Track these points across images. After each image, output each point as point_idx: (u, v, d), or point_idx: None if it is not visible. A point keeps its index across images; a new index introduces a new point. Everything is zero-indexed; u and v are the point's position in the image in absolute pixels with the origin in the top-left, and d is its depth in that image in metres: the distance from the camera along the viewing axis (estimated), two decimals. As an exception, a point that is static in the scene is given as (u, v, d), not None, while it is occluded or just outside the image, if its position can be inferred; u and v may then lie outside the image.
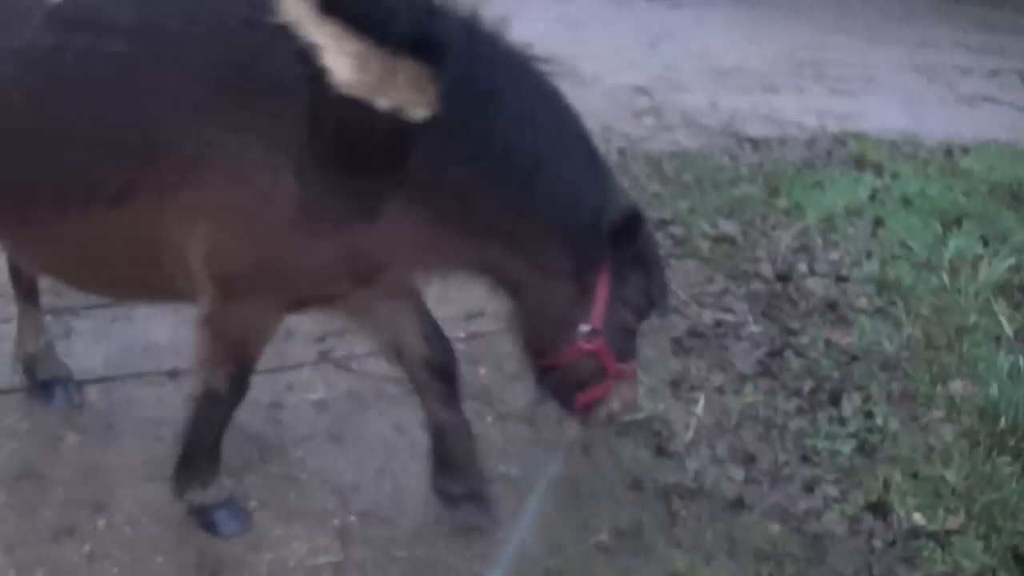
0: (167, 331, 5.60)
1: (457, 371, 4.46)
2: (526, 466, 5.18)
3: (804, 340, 6.85)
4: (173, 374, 5.51)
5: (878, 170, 10.05)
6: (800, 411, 6.13)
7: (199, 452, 4.30)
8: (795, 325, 6.78)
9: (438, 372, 4.40)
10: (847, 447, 6.16)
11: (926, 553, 5.43)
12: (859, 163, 10.09)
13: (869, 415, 6.45)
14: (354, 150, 3.51)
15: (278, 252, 3.66)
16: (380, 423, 5.23)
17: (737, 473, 5.81)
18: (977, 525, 5.52)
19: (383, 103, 3.46)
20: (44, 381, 5.09)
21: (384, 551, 4.51)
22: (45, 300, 5.47)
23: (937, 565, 5.36)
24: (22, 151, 3.71)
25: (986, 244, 8.51)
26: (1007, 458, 6.11)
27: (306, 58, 3.46)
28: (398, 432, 5.36)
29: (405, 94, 3.47)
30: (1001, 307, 7.77)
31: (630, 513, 5.08)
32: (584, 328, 3.87)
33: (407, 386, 5.01)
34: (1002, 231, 8.85)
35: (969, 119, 11.95)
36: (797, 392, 6.31)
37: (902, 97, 12.42)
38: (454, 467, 4.58)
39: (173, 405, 5.04)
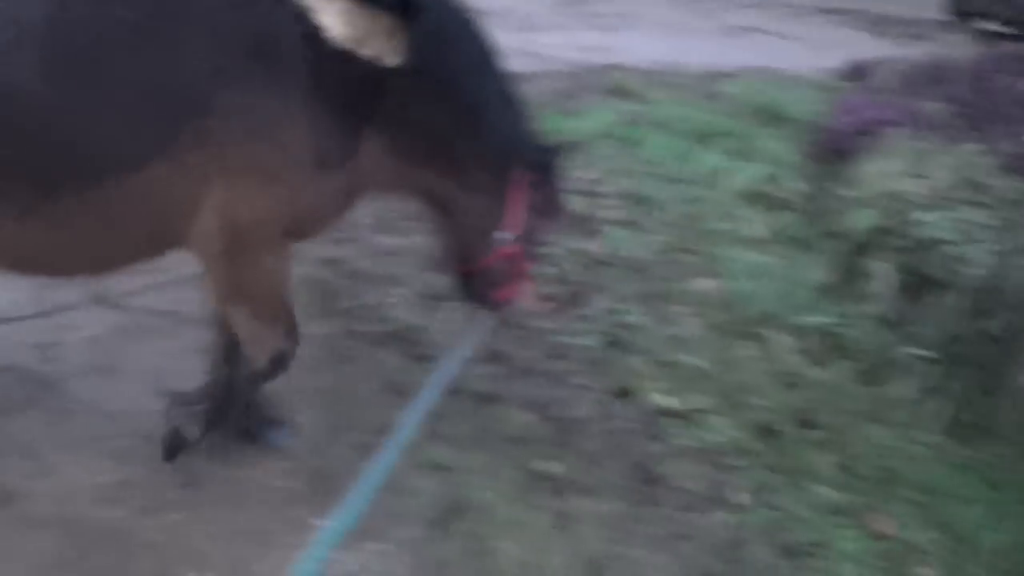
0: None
1: None
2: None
3: (556, 251, 6.83)
4: None
5: (638, 98, 10.23)
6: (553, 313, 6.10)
7: (255, 416, 4.67)
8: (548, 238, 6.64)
9: None
10: (594, 341, 6.32)
11: (671, 430, 5.65)
12: (619, 92, 10.22)
13: (616, 313, 6.66)
14: (346, 95, 3.73)
15: (298, 196, 3.84)
16: (147, 353, 5.30)
17: (491, 371, 5.92)
18: (722, 404, 5.81)
19: (366, 54, 3.69)
20: None
21: (157, 468, 4.62)
22: None
23: (681, 440, 5.59)
24: (33, 128, 3.64)
25: (740, 159, 8.72)
26: (750, 344, 6.39)
27: (303, 19, 3.65)
28: (164, 358, 5.41)
29: (381, 44, 3.72)
30: (749, 213, 8.07)
31: (390, 413, 5.05)
32: (505, 235, 4.29)
33: (173, 319, 5.47)
34: (756, 147, 9.19)
35: (731, 49, 12.26)
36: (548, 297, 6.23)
37: (665, 30, 12.72)
38: (256, 407, 4.77)
39: None
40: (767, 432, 5.67)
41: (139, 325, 5.49)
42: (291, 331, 4.30)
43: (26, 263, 4.22)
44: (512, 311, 4.87)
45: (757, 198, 8.27)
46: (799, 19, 14.58)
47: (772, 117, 9.98)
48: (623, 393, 5.92)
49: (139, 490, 4.44)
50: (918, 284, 6.57)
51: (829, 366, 5.98)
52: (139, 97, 3.62)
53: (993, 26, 16.41)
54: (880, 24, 14.78)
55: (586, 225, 7.61)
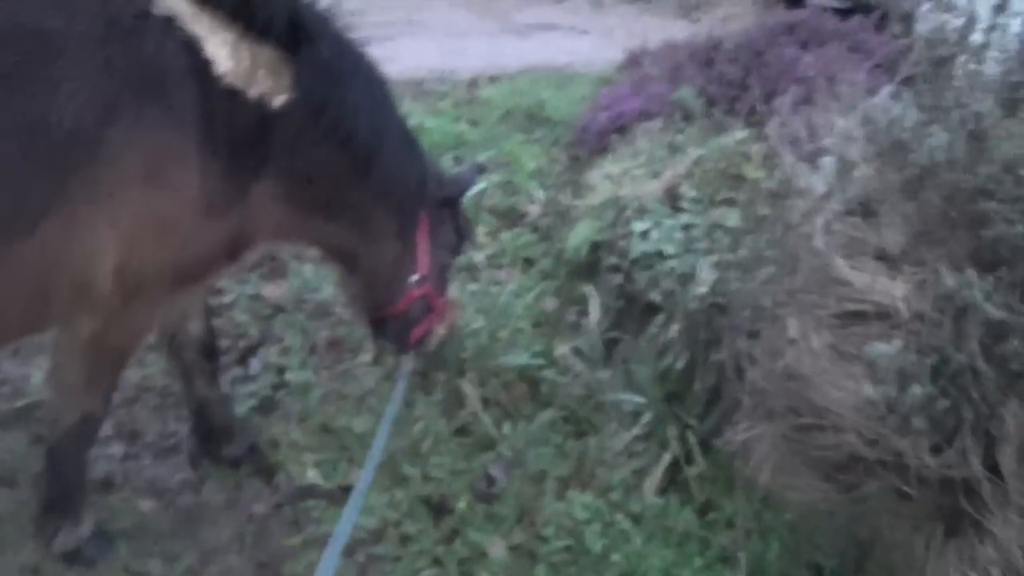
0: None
1: (218, 349, 4.82)
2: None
3: (227, 299, 6.41)
4: None
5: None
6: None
7: (75, 486, 4.33)
8: (224, 283, 6.11)
9: (207, 351, 4.73)
10: (245, 408, 5.56)
11: (316, 513, 4.92)
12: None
13: (281, 370, 5.88)
14: (235, 137, 3.53)
15: (188, 244, 3.63)
16: None
17: (118, 450, 5.33)
18: (382, 476, 4.96)
19: (253, 91, 3.51)
20: None
21: None
22: None
23: (323, 526, 4.82)
24: None
25: (482, 171, 7.42)
26: (434, 395, 5.60)
27: (191, 49, 3.42)
28: None
29: (267, 81, 3.53)
30: (483, 231, 7.35)
31: None
32: (413, 277, 4.27)
33: None
34: (510, 155, 8.58)
35: (516, 48, 11.77)
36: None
37: (445, 35, 12.10)
38: (226, 434, 5.00)
39: None
40: (436, 509, 4.92)
41: None
42: (109, 393, 4.22)
43: None
44: (433, 340, 4.75)
45: (493, 214, 7.40)
46: (600, 11, 14.09)
47: (534, 120, 9.36)
48: (265, 470, 5.16)
49: None
50: (632, 310, 5.69)
51: (526, 418, 5.35)
52: (21, 150, 3.30)
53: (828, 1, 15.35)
54: (692, 8, 14.21)
55: (271, 263, 6.66)
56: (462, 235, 4.52)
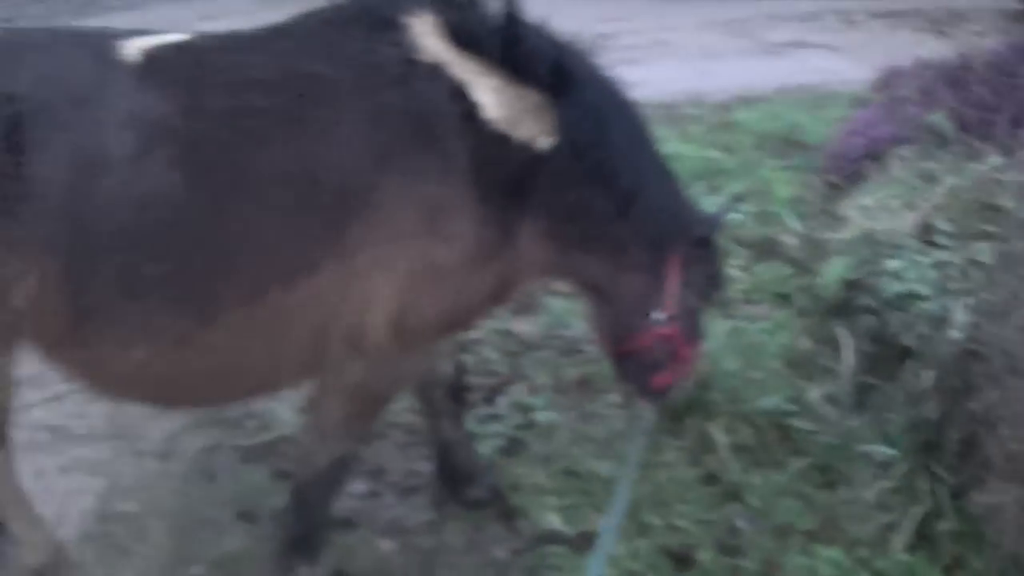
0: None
1: (466, 391, 4.86)
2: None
3: (477, 335, 6.32)
4: None
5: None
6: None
7: (318, 526, 4.35)
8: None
9: (454, 393, 4.76)
10: (489, 448, 5.48)
11: (556, 560, 4.80)
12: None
13: (528, 409, 5.79)
14: (503, 182, 3.58)
15: (461, 293, 3.70)
16: (22, 469, 4.71)
17: (361, 487, 5.32)
18: (627, 524, 4.76)
19: (519, 135, 3.56)
20: None
21: None
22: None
23: (563, 573, 4.72)
24: (179, 242, 3.44)
25: (738, 200, 7.44)
26: (681, 440, 5.43)
27: (460, 96, 3.50)
28: (37, 477, 5.20)
29: (533, 125, 3.59)
30: (734, 264, 7.03)
31: (236, 543, 4.96)
32: (659, 315, 4.05)
33: (58, 432, 5.57)
34: (763, 183, 8.29)
35: (769, 68, 11.45)
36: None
37: (697, 56, 11.94)
38: (469, 476, 4.97)
39: None
40: (679, 561, 4.73)
41: (20, 440, 4.81)
42: (364, 437, 4.32)
43: (183, 395, 3.98)
44: (676, 392, 4.46)
45: (748, 245, 7.21)
46: (851, 27, 13.73)
47: (789, 144, 9.06)
48: (506, 513, 5.09)
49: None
50: (886, 354, 5.43)
51: (774, 467, 5.12)
52: (298, 194, 3.44)
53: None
54: (942, 23, 13.69)
55: (522, 299, 6.44)
56: (714, 280, 4.31)
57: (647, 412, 4.57)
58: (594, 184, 3.76)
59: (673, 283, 4.06)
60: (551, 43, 3.66)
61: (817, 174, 8.31)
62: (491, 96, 3.55)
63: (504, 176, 3.60)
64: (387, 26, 3.58)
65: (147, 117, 3.49)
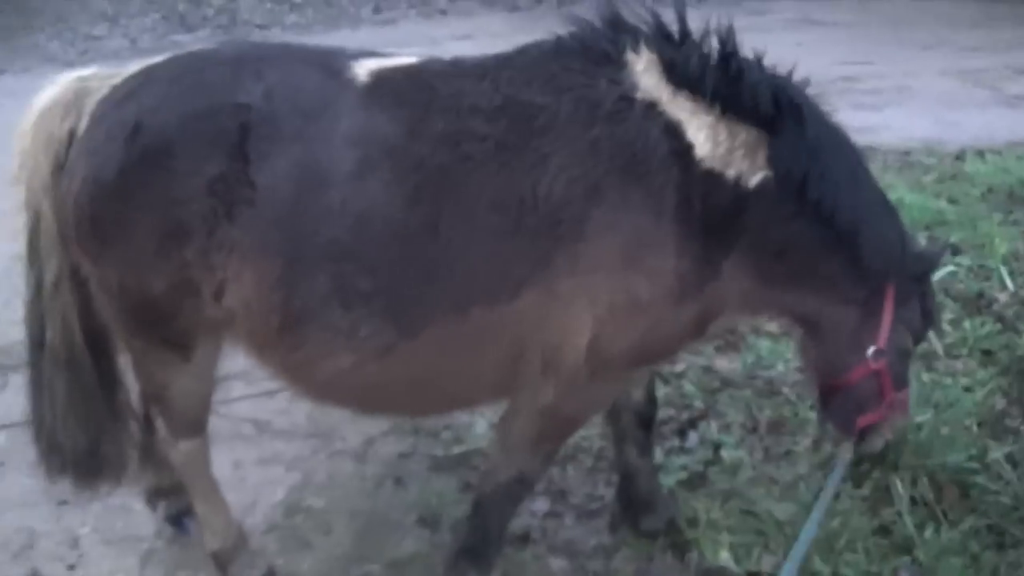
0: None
1: (655, 421, 4.87)
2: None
3: (679, 368, 6.36)
4: None
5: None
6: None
7: (493, 539, 4.49)
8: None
9: (643, 421, 4.78)
10: (673, 480, 5.57)
11: None
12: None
13: (717, 446, 5.87)
14: (711, 218, 3.59)
15: (658, 326, 3.73)
16: (222, 458, 5.11)
17: (543, 506, 5.49)
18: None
19: (731, 172, 3.58)
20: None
21: (171, 572, 5.02)
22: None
23: None
24: (395, 256, 3.70)
25: (955, 252, 7.63)
26: (863, 489, 5.42)
27: (673, 134, 3.57)
28: (235, 467, 5.67)
29: (744, 161, 3.60)
30: (943, 318, 6.79)
31: (414, 546, 5.20)
32: (871, 349, 4.00)
33: (261, 427, 5.98)
34: (986, 236, 8.10)
35: (1007, 121, 11.19)
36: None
37: (936, 104, 11.78)
38: (648, 505, 5.02)
39: None
40: None
41: (224, 431, 5.31)
42: (550, 458, 4.38)
43: (382, 403, 4.24)
44: (879, 439, 4.48)
45: (959, 299, 7.21)
46: None
47: (1015, 200, 8.93)
48: (678, 545, 5.15)
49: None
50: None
51: (950, 523, 5.09)
52: (509, 220, 3.59)
53: None
54: None
55: (728, 336, 6.65)
56: (927, 317, 4.25)
57: (846, 453, 4.59)
58: (809, 219, 3.73)
59: (887, 318, 4.02)
60: (768, 79, 3.68)
61: (1039, 232, 7.87)
62: (704, 134, 3.57)
63: (712, 213, 3.61)
64: (607, 61, 3.69)
65: (371, 137, 3.73)
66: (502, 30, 15.28)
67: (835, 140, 3.81)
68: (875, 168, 8.88)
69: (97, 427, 4.71)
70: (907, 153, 10.30)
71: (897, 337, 4.08)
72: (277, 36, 16.26)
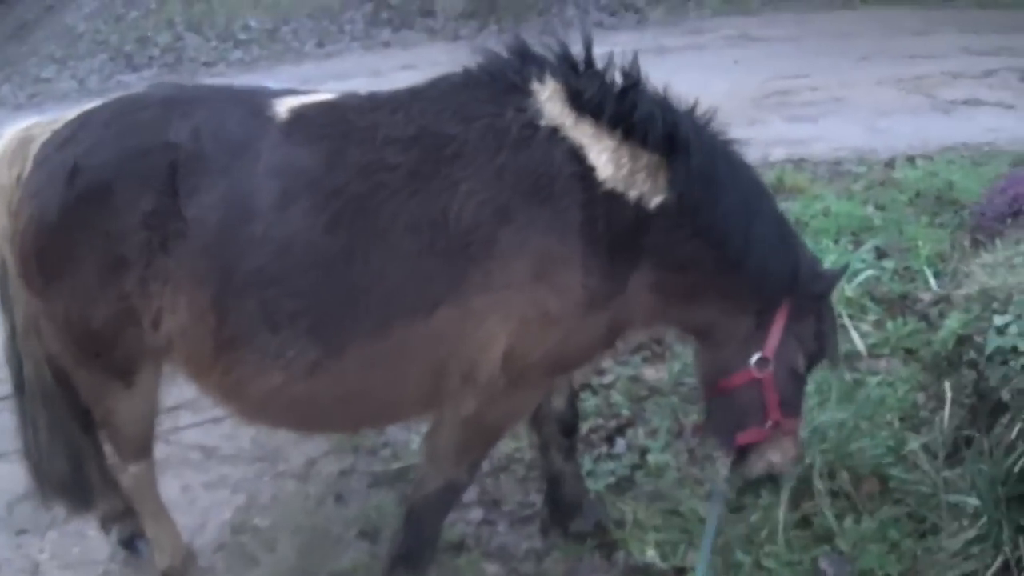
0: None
1: (578, 427, 5.07)
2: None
3: (607, 379, 6.61)
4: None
5: (799, 193, 9.57)
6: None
7: (426, 546, 4.69)
8: (605, 364, 6.40)
9: (566, 428, 5.00)
10: (601, 484, 5.79)
11: None
12: (780, 189, 9.48)
13: (644, 451, 6.09)
14: (614, 237, 3.80)
15: (569, 337, 3.92)
16: (172, 483, 5.35)
17: (477, 515, 5.70)
18: (718, 562, 5.06)
19: (632, 193, 3.81)
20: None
21: None
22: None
23: None
24: (318, 280, 3.86)
25: (881, 256, 8.01)
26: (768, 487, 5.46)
27: (576, 157, 3.79)
28: (183, 491, 5.92)
29: (645, 184, 3.81)
30: (863, 319, 7.27)
31: (354, 559, 5.43)
32: (755, 356, 4.21)
33: (208, 452, 6.16)
34: (912, 240, 8.37)
35: (940, 126, 11.50)
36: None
37: (870, 113, 12.01)
38: (576, 508, 5.22)
39: (18, 477, 5.51)
40: None
41: (174, 458, 5.53)
42: (476, 466, 4.57)
43: (313, 420, 4.41)
44: (761, 464, 4.60)
45: (883, 301, 7.45)
46: None
47: (942, 203, 9.12)
48: (606, 545, 5.38)
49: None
50: (984, 408, 5.54)
51: (869, 514, 5.28)
52: (422, 242, 3.78)
53: None
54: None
55: (654, 347, 6.93)
56: (821, 339, 4.40)
57: (723, 470, 4.85)
58: (705, 242, 3.95)
59: (777, 330, 4.21)
60: (665, 108, 3.88)
61: (965, 232, 8.38)
62: (605, 157, 3.78)
63: (615, 232, 3.81)
64: (514, 91, 3.91)
65: (291, 169, 3.98)
66: (444, 59, 15.36)
67: (730, 169, 4.02)
68: (805, 178, 9.38)
69: (78, 456, 5.00)
70: (838, 163, 10.58)
71: (787, 352, 4.27)
72: (223, 73, 16.39)
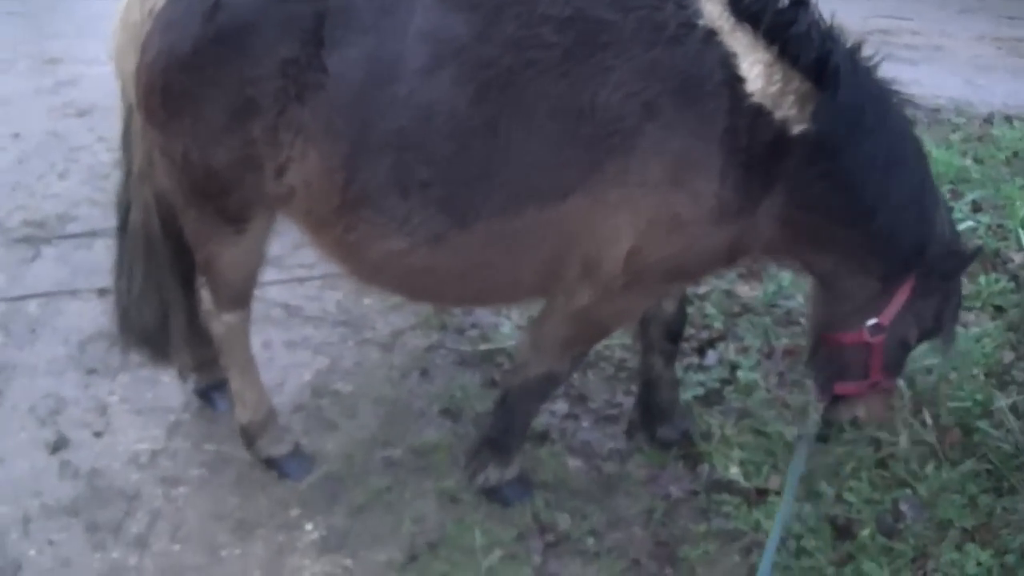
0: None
1: (682, 334, 5.06)
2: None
3: (702, 290, 6.61)
4: (102, 292, 6.08)
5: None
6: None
7: (516, 433, 4.76)
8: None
9: (672, 334, 4.97)
10: (689, 395, 5.79)
11: (727, 508, 5.07)
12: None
13: (734, 367, 6.09)
14: (754, 153, 3.66)
15: (693, 245, 3.84)
16: (252, 339, 5.21)
17: (562, 407, 5.70)
18: (799, 488, 4.90)
19: (778, 114, 3.62)
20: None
21: (197, 444, 5.27)
22: (23, 231, 7.07)
23: (732, 521, 5.00)
24: (454, 151, 3.78)
25: (976, 209, 7.96)
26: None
27: (728, 64, 3.62)
28: (264, 347, 5.93)
29: (792, 108, 3.63)
30: None
31: (436, 435, 5.44)
32: (871, 321, 4.14)
33: (292, 311, 6.33)
34: (1004, 197, 8.27)
35: None
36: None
37: (969, 67, 11.82)
38: (666, 415, 5.27)
39: (92, 316, 6.14)
40: (839, 531, 4.96)
41: (256, 313, 5.32)
42: (579, 360, 4.59)
43: (426, 290, 4.41)
44: (848, 413, 4.63)
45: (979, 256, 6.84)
46: None
47: (1042, 165, 8.43)
48: (690, 456, 5.41)
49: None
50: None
51: (950, 463, 5.29)
52: (566, 126, 3.69)
53: None
54: None
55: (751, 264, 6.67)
56: (940, 320, 4.29)
57: (814, 414, 4.65)
58: (837, 187, 3.81)
59: (898, 301, 4.11)
60: (825, 35, 3.67)
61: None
62: (758, 70, 3.61)
63: (756, 148, 3.67)
64: None
65: (443, 35, 3.85)
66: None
67: (881, 117, 3.81)
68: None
69: (168, 306, 5.00)
70: (936, 110, 10.37)
71: (902, 324, 4.17)
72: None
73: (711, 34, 3.64)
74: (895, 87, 3.91)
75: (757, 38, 3.64)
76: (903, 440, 5.39)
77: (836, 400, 4.44)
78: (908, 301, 4.10)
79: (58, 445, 5.16)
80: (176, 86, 3.87)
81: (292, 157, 3.96)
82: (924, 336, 4.33)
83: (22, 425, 5.26)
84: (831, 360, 4.37)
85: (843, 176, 3.79)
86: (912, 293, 4.09)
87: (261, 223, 4.33)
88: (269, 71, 3.73)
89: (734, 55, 3.62)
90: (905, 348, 4.32)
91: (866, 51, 3.85)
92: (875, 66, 3.85)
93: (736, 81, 3.61)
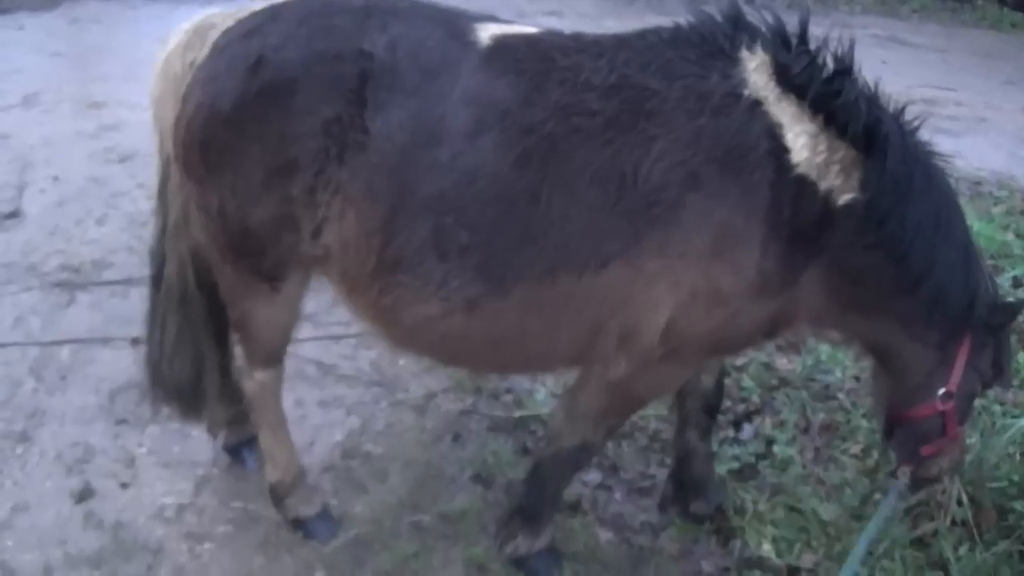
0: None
1: (719, 408, 5.00)
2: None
3: (739, 362, 6.45)
4: (135, 341, 6.01)
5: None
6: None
7: (547, 502, 4.66)
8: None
9: (709, 407, 4.89)
10: (724, 469, 5.67)
11: None
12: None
13: (770, 442, 5.97)
14: (797, 225, 3.62)
15: (734, 318, 3.78)
16: (284, 396, 5.13)
17: (595, 478, 5.62)
18: (830, 566, 4.99)
19: (823, 184, 3.60)
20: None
21: (224, 501, 5.15)
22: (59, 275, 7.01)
23: None
24: (495, 214, 3.73)
25: (1017, 286, 7.82)
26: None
27: (773, 135, 3.59)
28: (296, 405, 5.83)
29: (838, 178, 3.60)
30: None
31: (467, 501, 5.31)
32: (942, 391, 4.08)
33: (326, 369, 6.24)
34: None
35: None
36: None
37: (1012, 139, 11.76)
38: (700, 489, 5.16)
39: (123, 366, 6.08)
40: None
41: (289, 370, 5.23)
42: (613, 431, 4.52)
43: (461, 356, 4.31)
44: (936, 468, 4.52)
45: (1017, 332, 6.89)
46: None
47: (1081, 238, 8.36)
48: (723, 531, 5.30)
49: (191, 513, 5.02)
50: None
51: (986, 544, 5.15)
52: (608, 194, 3.64)
53: None
54: None
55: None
56: (999, 368, 4.25)
57: (903, 478, 4.61)
58: (886, 254, 3.77)
59: (960, 364, 4.06)
60: (872, 103, 3.66)
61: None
62: (803, 141, 3.59)
63: (800, 220, 3.63)
64: (722, 55, 3.72)
65: (488, 99, 3.81)
66: (590, 11, 15.28)
67: (927, 182, 3.78)
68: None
69: (201, 362, 4.93)
70: (979, 183, 10.31)
71: (967, 383, 4.12)
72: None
73: (756, 104, 3.62)
74: (934, 148, 3.87)
75: (803, 108, 3.62)
76: (940, 520, 5.29)
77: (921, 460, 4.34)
78: (968, 362, 4.06)
79: (84, 495, 5.08)
80: (215, 141, 3.84)
81: (329, 217, 3.91)
82: (987, 386, 4.34)
83: (48, 473, 5.20)
84: (910, 434, 4.32)
85: (891, 243, 3.73)
86: (970, 352, 4.04)
87: (296, 282, 4.26)
88: (311, 129, 3.70)
89: (779, 125, 3.60)
90: (972, 399, 4.31)
91: (908, 115, 3.83)
92: (916, 129, 3.83)
93: (781, 152, 3.58)
